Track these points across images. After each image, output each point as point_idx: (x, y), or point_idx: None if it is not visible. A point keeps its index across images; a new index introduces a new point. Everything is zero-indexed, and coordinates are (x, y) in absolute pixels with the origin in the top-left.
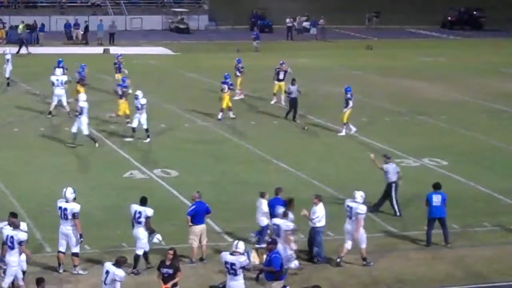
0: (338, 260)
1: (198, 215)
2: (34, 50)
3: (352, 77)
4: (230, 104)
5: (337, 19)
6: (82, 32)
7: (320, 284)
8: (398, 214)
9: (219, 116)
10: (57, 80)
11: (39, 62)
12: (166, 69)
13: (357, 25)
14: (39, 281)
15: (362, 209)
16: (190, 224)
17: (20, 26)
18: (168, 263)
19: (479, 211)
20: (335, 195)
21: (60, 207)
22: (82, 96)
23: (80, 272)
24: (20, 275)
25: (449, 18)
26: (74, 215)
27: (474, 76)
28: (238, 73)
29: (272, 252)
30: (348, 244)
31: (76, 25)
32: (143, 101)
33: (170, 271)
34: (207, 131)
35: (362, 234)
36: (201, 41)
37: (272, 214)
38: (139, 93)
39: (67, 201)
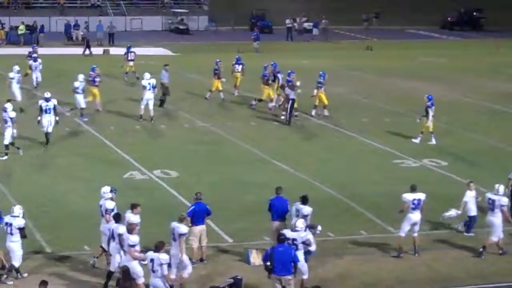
0: (481, 249)
1: (197, 216)
2: None
3: (352, 77)
4: (326, 102)
5: (337, 20)
6: (82, 33)
7: (320, 285)
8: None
9: (313, 113)
10: (149, 83)
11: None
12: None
13: (357, 26)
14: (42, 283)
15: (505, 200)
16: (190, 224)
17: (21, 27)
18: (122, 282)
19: (479, 212)
20: (335, 195)
21: (100, 205)
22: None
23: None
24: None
25: (449, 18)
26: (106, 211)
27: (474, 77)
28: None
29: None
30: (494, 236)
31: (76, 26)
32: (12, 114)
33: None
34: (207, 132)
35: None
36: (201, 42)
37: (275, 214)
38: (8, 105)
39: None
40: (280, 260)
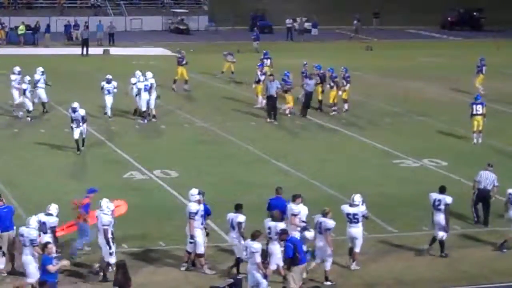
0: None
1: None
2: (33, 51)
3: (352, 77)
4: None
5: (337, 19)
6: (79, 32)
7: (320, 285)
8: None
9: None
10: (146, 86)
11: (38, 62)
12: (166, 70)
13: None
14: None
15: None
16: None
17: (21, 27)
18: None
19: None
20: (335, 195)
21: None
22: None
23: (207, 271)
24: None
25: (449, 18)
26: (189, 214)
27: (474, 77)
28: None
29: (286, 241)
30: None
31: (76, 26)
32: (82, 112)
33: (116, 284)
34: (206, 132)
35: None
36: (201, 42)
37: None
38: (76, 105)
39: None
40: (302, 248)
